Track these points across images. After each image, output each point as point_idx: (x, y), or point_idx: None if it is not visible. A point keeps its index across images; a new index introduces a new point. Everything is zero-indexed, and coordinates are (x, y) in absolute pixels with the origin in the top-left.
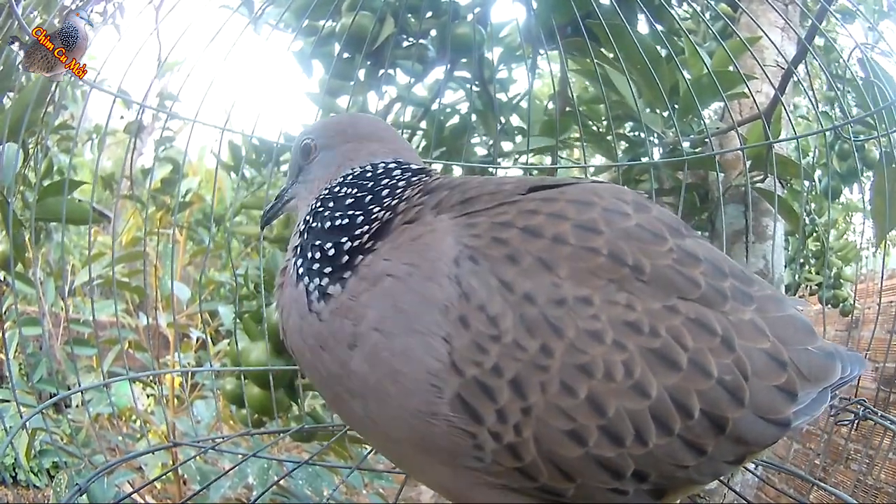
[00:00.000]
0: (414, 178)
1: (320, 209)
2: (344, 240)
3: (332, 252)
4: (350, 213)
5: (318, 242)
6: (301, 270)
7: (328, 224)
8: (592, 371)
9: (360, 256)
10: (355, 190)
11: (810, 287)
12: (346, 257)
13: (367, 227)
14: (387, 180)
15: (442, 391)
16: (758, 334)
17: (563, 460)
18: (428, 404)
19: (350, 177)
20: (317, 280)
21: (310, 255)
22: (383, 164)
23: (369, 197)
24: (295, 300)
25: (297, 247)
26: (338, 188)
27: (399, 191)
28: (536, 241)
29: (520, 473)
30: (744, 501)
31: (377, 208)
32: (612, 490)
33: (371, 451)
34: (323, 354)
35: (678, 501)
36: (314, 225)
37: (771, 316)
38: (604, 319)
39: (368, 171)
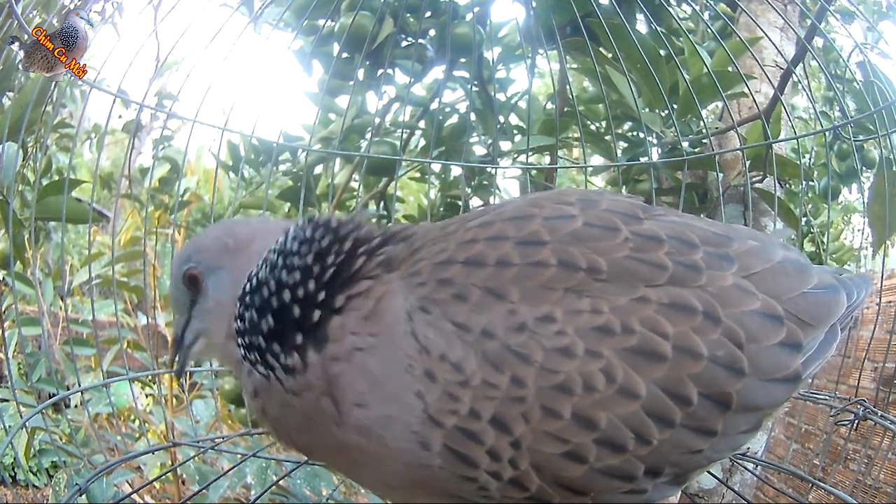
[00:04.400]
0: (313, 241)
1: (246, 312)
2: (281, 323)
3: (276, 333)
4: (275, 299)
5: (261, 333)
6: (256, 361)
7: (264, 326)
8: (571, 388)
9: (317, 328)
10: (265, 286)
11: None
12: (291, 332)
13: (295, 303)
14: (286, 256)
15: (429, 445)
16: (744, 296)
17: (569, 480)
18: (419, 458)
19: (254, 280)
20: (275, 363)
21: (258, 344)
22: (275, 249)
23: (283, 275)
24: (266, 390)
25: (244, 346)
26: (248, 298)
27: (309, 255)
28: (480, 270)
29: (532, 501)
30: (743, 501)
31: (295, 279)
32: (629, 492)
33: None
34: (311, 435)
35: (677, 501)
36: (246, 326)
37: (757, 271)
38: (570, 332)
39: (267, 266)
